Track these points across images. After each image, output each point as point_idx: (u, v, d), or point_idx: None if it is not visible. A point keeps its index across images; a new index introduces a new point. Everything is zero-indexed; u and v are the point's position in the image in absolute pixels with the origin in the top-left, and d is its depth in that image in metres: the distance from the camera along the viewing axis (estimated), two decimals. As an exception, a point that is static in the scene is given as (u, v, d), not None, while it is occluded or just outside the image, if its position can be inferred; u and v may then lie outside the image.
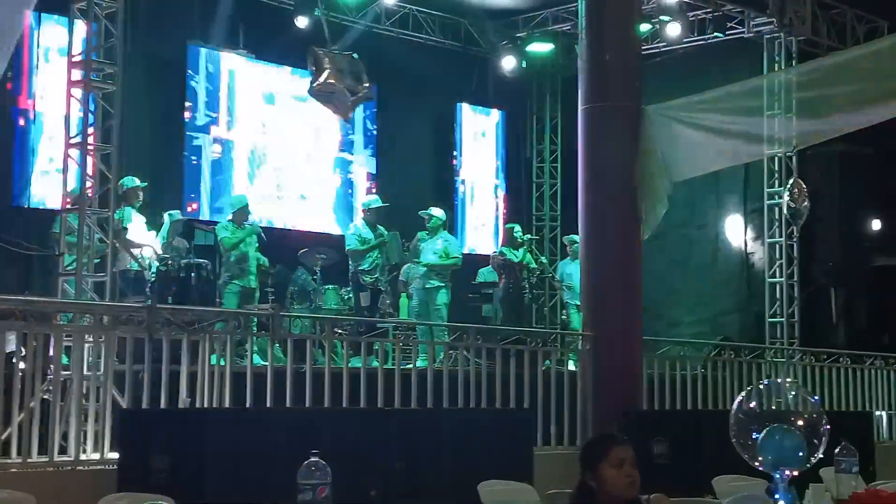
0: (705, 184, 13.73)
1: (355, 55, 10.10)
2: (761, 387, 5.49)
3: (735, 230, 15.32)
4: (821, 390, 11.66)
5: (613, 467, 4.28)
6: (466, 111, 16.17)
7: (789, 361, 12.41)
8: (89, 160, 8.66)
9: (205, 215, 13.05)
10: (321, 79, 9.64)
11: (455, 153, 16.06)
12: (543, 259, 14.63)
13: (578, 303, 11.10)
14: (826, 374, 12.06)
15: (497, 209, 16.39)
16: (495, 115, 16.60)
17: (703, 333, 13.90)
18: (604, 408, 9.21)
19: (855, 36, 14.09)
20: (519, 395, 9.15)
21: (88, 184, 8.64)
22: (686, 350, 11.93)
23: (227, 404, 7.68)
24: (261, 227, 11.71)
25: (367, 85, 9.97)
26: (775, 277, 13.79)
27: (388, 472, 6.94)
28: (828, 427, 5.41)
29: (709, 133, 10.61)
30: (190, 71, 13.40)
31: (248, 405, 7.74)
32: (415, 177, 14.85)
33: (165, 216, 11.10)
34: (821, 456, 5.51)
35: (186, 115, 13.36)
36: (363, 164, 14.93)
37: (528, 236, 14.47)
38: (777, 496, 5.09)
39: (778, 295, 13.74)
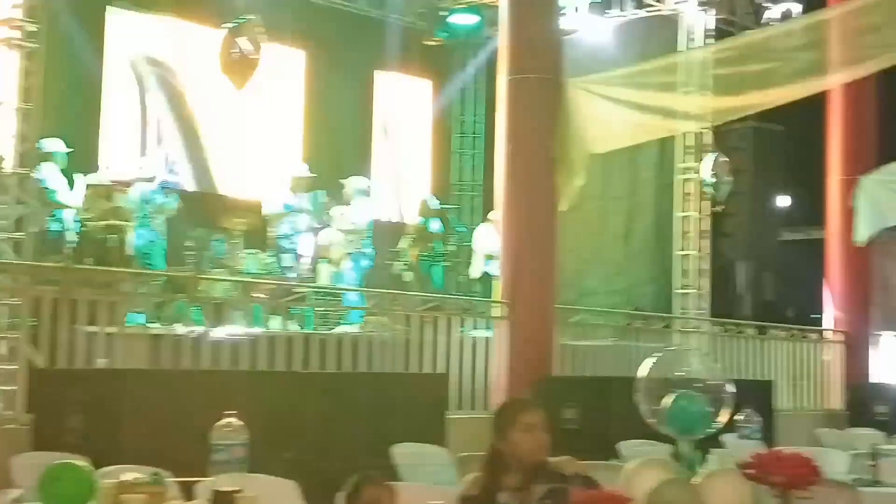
0: (622, 157, 13.94)
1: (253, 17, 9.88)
2: (667, 355, 5.71)
3: (648, 203, 15.58)
4: (727, 360, 12.01)
5: (523, 431, 4.38)
6: (391, 80, 16.18)
7: (697, 331, 12.75)
8: (9, 119, 8.53)
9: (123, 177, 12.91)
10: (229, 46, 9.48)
11: (379, 122, 16.08)
12: (461, 228, 14.76)
13: (495, 271, 11.26)
14: (732, 345, 12.43)
15: (420, 178, 16.46)
16: (420, 84, 16.63)
17: (617, 303, 14.16)
18: (517, 374, 9.40)
19: (770, 15, 14.38)
20: (435, 360, 9.31)
21: (9, 143, 8.53)
22: (599, 319, 12.20)
23: (143, 366, 7.70)
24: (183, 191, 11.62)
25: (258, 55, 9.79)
26: (687, 250, 14.10)
27: (303, 435, 7.04)
28: (731, 394, 5.64)
29: (626, 107, 10.80)
30: (111, 33, 13.21)
31: (164, 367, 7.77)
32: (339, 144, 14.84)
33: (83, 177, 10.99)
34: (724, 422, 5.75)
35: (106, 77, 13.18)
36: (288, 130, 14.89)
37: (445, 205, 14.59)
38: (680, 460, 5.31)
39: (689, 267, 14.05)
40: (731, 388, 5.42)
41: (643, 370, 5.44)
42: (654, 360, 5.49)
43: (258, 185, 13.52)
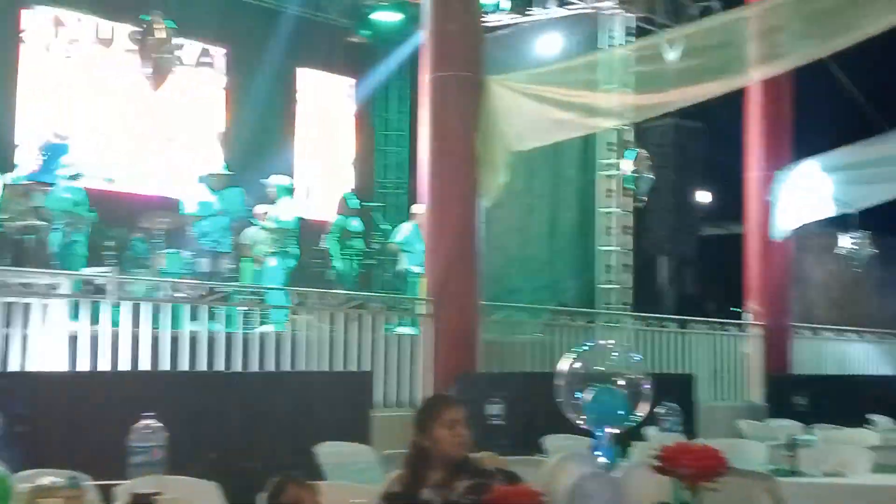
0: (545, 154, 14.03)
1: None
2: (587, 349, 5.77)
3: (572, 200, 15.70)
4: (649, 354, 12.15)
5: (445, 428, 4.40)
6: (314, 77, 16.10)
7: (620, 326, 12.87)
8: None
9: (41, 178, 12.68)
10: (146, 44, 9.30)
11: (301, 120, 16.00)
12: (385, 226, 14.74)
13: (419, 269, 11.27)
14: (654, 339, 12.58)
15: (344, 176, 16.41)
16: (343, 81, 16.58)
17: (541, 299, 14.24)
18: (442, 370, 9.43)
19: (689, 14, 14.57)
20: (361, 358, 9.30)
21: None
22: (524, 315, 12.27)
23: (61, 367, 7.57)
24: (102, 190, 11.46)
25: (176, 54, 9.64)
26: (610, 246, 14.23)
27: (225, 435, 6.98)
28: (650, 387, 5.71)
29: (548, 105, 10.86)
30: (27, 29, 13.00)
31: (83, 369, 7.65)
32: (261, 142, 14.73)
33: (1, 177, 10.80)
34: (644, 415, 5.82)
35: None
36: (208, 128, 14.74)
37: (366, 204, 14.56)
38: (600, 453, 5.37)
39: (612, 263, 14.18)
40: (650, 383, 5.48)
41: (563, 365, 5.48)
42: (574, 355, 5.53)
43: (178, 184, 13.38)
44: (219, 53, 14.79)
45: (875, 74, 17.29)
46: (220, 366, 8.32)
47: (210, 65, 14.74)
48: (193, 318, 8.65)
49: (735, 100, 13.45)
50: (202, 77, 14.48)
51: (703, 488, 3.72)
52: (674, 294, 18.00)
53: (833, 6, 9.92)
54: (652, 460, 3.78)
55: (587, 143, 14.82)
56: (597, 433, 5.42)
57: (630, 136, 14.23)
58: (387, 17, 15.53)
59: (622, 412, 5.20)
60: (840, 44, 10.08)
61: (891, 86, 17.65)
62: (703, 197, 19.50)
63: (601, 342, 5.81)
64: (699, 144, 17.52)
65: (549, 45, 14.62)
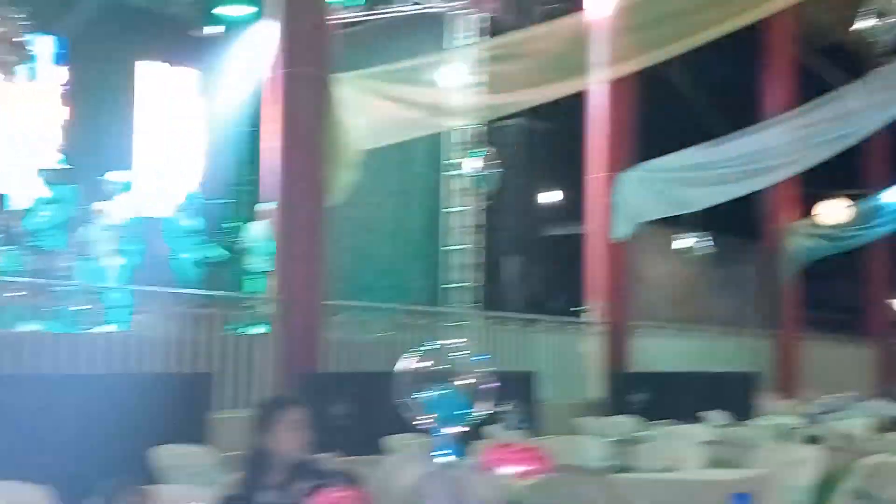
0: (393, 152, 14.03)
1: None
2: (428, 348, 5.76)
3: (420, 198, 15.75)
4: (495, 352, 12.27)
5: (285, 429, 4.34)
6: (158, 71, 15.71)
7: (467, 324, 12.97)
8: None
9: None
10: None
11: (143, 114, 15.59)
12: (231, 224, 14.49)
13: (264, 268, 11.12)
14: (500, 337, 12.71)
15: (187, 172, 16.05)
16: (189, 76, 16.21)
17: (389, 298, 14.23)
18: (287, 371, 9.32)
19: (536, 16, 14.76)
20: (205, 359, 9.11)
21: None
22: (372, 314, 12.23)
23: None
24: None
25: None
26: (457, 245, 14.32)
27: (59, 439, 6.76)
28: (492, 386, 5.74)
29: (397, 103, 10.89)
30: None
31: None
32: (101, 137, 14.28)
33: None
34: (485, 414, 5.84)
35: None
36: (45, 121, 14.22)
37: (211, 201, 14.30)
38: (442, 452, 5.37)
39: (459, 262, 14.27)
40: (492, 381, 5.51)
41: (403, 365, 5.47)
42: (415, 354, 5.52)
43: (11, 179, 12.87)
44: (58, 45, 14.28)
45: (713, 79, 17.89)
46: (55, 367, 8.03)
47: (48, 57, 14.24)
48: (24, 317, 8.34)
49: (583, 101, 13.72)
50: (40, 69, 13.97)
51: (531, 486, 3.78)
52: (521, 293, 18.22)
53: (673, 11, 10.22)
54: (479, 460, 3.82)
55: (436, 142, 14.88)
56: (437, 433, 5.40)
57: (478, 136, 14.34)
58: (236, 12, 15.26)
59: (462, 411, 5.20)
60: (679, 48, 10.39)
61: (728, 90, 18.28)
62: (551, 197, 19.82)
63: (443, 341, 5.78)
64: (547, 145, 17.79)
65: (400, 43, 14.62)
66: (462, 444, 5.78)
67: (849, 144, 13.05)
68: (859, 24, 9.53)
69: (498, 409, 8.26)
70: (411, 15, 14.69)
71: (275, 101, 10.12)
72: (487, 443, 7.23)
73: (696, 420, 10.90)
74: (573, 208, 17.47)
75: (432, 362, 5.56)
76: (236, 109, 16.46)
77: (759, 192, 16.66)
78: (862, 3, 9.65)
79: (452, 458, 5.37)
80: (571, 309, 14.81)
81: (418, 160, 15.59)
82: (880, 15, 9.33)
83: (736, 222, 20.21)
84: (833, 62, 18.61)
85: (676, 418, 10.80)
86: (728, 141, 13.59)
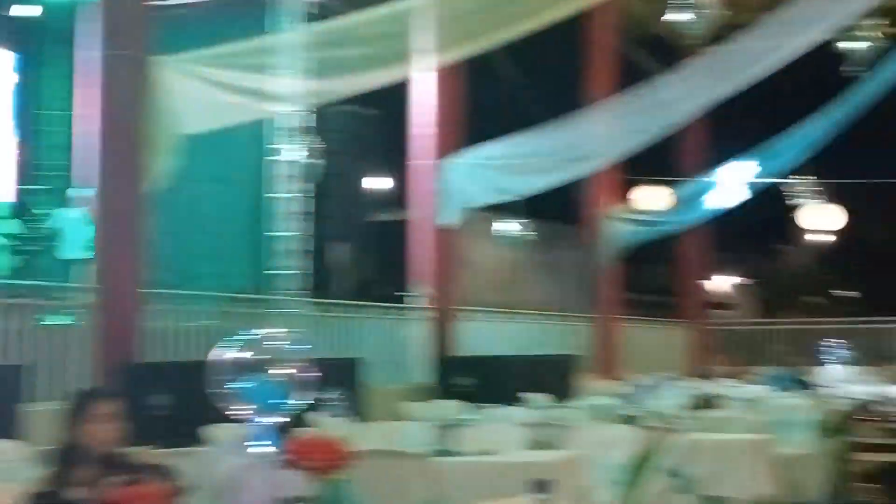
0: (219, 137, 13.79)
1: None
2: (247, 337, 5.70)
3: (246, 185, 15.56)
4: (322, 339, 12.24)
5: (95, 422, 4.26)
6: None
7: (294, 312, 12.88)
8: None
9: None
10: None
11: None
12: (47, 210, 13.99)
13: (80, 255, 10.79)
14: (328, 324, 12.69)
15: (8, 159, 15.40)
16: (5, 56, 15.54)
17: (215, 286, 14.02)
18: (104, 362, 9.07)
19: (363, 1, 14.72)
20: (16, 350, 8.80)
21: None
22: (196, 302, 12.02)
23: None
24: None
25: None
26: (283, 231, 14.18)
27: None
28: (315, 374, 5.72)
29: (221, 88, 10.70)
30: None
31: None
32: None
33: None
34: (305, 403, 5.82)
35: None
36: None
37: (23, 187, 13.80)
38: (260, 442, 5.32)
39: (286, 248, 14.14)
40: (312, 369, 5.49)
41: (221, 355, 5.41)
42: (233, 344, 5.46)
43: None
44: None
45: (538, 68, 18.22)
46: None
47: None
48: None
49: (409, 87, 13.79)
50: None
51: (329, 480, 3.80)
52: (348, 279, 18.23)
53: (495, 1, 10.35)
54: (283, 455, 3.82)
55: (261, 128, 14.70)
56: (255, 423, 5.35)
57: (305, 122, 14.22)
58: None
59: (281, 401, 5.18)
60: (502, 38, 10.52)
61: (552, 79, 18.65)
62: (380, 183, 19.87)
63: (263, 330, 5.73)
64: (375, 131, 17.82)
65: (223, 26, 14.36)
66: (281, 434, 5.75)
67: (665, 133, 13.48)
68: (671, 16, 9.86)
69: (322, 397, 8.28)
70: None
71: (91, 84, 9.81)
72: (291, 436, 7.21)
73: (518, 403, 11.11)
74: (402, 195, 17.59)
75: (250, 352, 5.51)
76: (51, 92, 15.92)
77: (581, 178, 17.09)
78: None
79: (270, 449, 5.34)
80: (398, 294, 14.88)
81: (243, 145, 15.38)
82: (689, 7, 9.68)
83: (559, 208, 20.69)
84: (651, 52, 19.22)
85: (500, 401, 10.99)
86: (551, 129, 13.87)
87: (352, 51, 11.13)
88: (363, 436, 7.62)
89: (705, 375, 17.45)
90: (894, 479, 6.68)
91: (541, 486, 4.00)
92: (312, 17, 13.84)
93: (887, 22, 13.15)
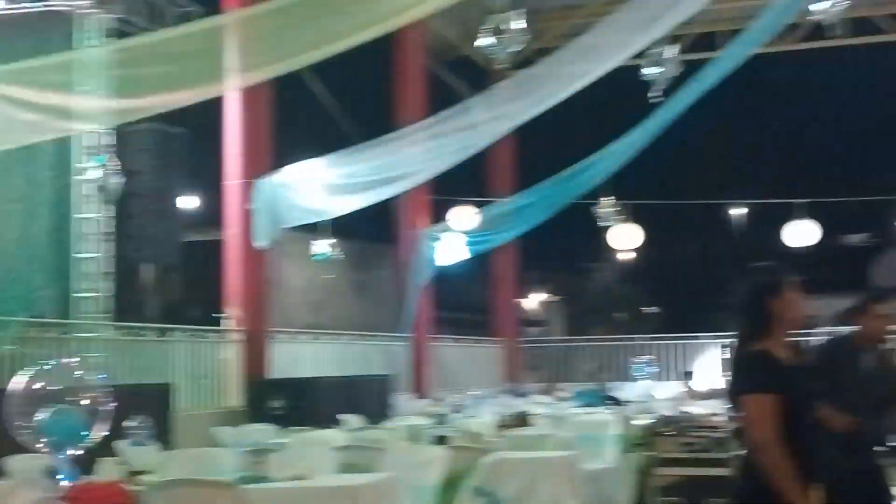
0: (18, 157, 13.27)
1: None
2: (45, 367, 5.49)
3: (47, 205, 14.99)
4: (128, 364, 11.89)
5: None
6: None
7: (98, 336, 12.48)
8: None
9: None
10: None
11: None
12: None
13: None
14: (134, 348, 12.34)
15: None
16: None
17: (17, 309, 13.44)
18: None
19: (167, 19, 14.47)
20: None
21: None
22: (-3, 328, 11.51)
23: None
24: None
25: None
26: (87, 253, 13.74)
27: None
28: (113, 403, 5.55)
29: (17, 105, 10.30)
30: None
31: None
32: None
33: None
34: (105, 433, 5.65)
35: None
36: None
37: None
38: (60, 475, 5.13)
39: (89, 270, 13.70)
40: (112, 399, 5.33)
41: (16, 385, 5.21)
42: (29, 373, 5.27)
43: None
44: None
45: (351, 89, 18.28)
46: None
47: None
48: None
49: (219, 106, 13.59)
50: None
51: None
52: (157, 301, 17.78)
53: (308, 18, 10.29)
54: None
55: (66, 146, 14.22)
56: (57, 455, 5.17)
57: (109, 140, 13.83)
58: None
59: (80, 432, 5.01)
60: (311, 59, 10.48)
61: (365, 100, 18.74)
62: (189, 203, 19.49)
63: (62, 359, 5.55)
64: (183, 150, 17.49)
65: (24, 42, 13.84)
66: (81, 466, 5.56)
67: (473, 153, 13.67)
68: (480, 41, 10.03)
69: (126, 425, 8.04)
70: (37, 12, 13.96)
71: None
72: (129, 456, 6.99)
73: (333, 425, 11.06)
74: (213, 214, 17.30)
75: (48, 382, 5.31)
76: None
77: (395, 198, 17.21)
78: (482, 21, 10.16)
79: (71, 479, 5.16)
80: (214, 316, 14.59)
81: (46, 164, 14.81)
82: (497, 33, 9.86)
83: (375, 228, 20.79)
84: (461, 75, 19.55)
85: (315, 424, 10.91)
86: (363, 149, 13.90)
87: (157, 69, 10.88)
88: (170, 463, 7.43)
89: (517, 392, 17.80)
90: (693, 491, 6.94)
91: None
92: (117, 34, 13.52)
93: (680, 48, 13.74)
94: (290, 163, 14.21)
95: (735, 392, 4.32)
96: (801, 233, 19.63)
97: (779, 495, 4.08)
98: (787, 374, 4.25)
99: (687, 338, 21.29)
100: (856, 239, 45.51)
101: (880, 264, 39.09)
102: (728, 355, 4.61)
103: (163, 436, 9.71)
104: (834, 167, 39.57)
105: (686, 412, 9.58)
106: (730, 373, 4.44)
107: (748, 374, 4.25)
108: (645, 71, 11.80)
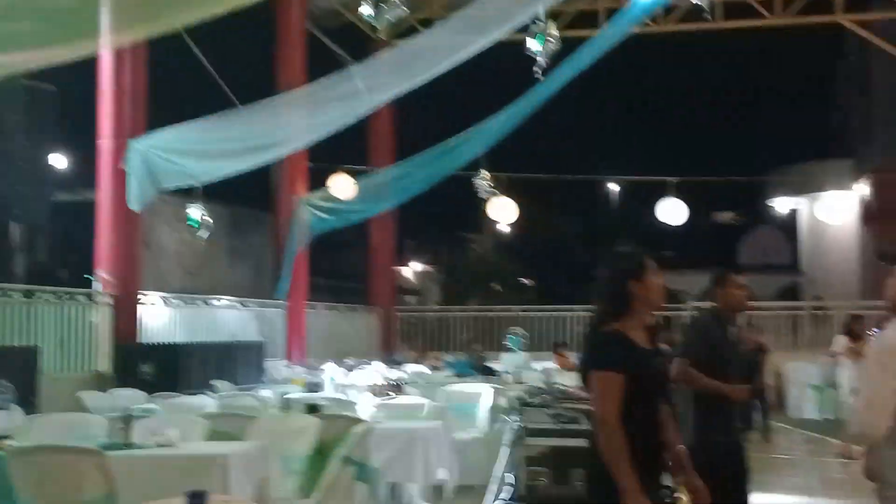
0: None
1: None
2: None
3: None
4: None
5: None
6: None
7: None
8: None
9: None
10: None
11: None
12: None
13: None
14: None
15: None
16: None
17: None
18: None
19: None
20: None
21: None
22: None
23: None
24: None
25: None
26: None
27: None
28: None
29: None
30: None
31: None
32: None
33: None
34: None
35: None
36: None
37: None
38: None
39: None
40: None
41: None
42: None
43: None
44: None
45: (231, 52, 18.00)
46: None
47: None
48: None
49: (91, 64, 13.22)
50: None
51: None
52: (23, 262, 17.31)
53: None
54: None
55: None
56: None
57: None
58: None
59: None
60: (187, 20, 10.27)
61: (245, 65, 18.47)
62: (58, 162, 18.97)
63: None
64: (53, 108, 17.01)
65: None
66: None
67: (353, 122, 13.60)
68: (362, 10, 9.98)
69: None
70: None
71: None
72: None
73: (205, 391, 10.95)
74: (84, 174, 16.88)
75: None
76: None
77: (273, 164, 17.02)
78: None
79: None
80: (86, 278, 14.23)
81: None
82: (377, 1, 9.81)
83: (253, 194, 20.55)
84: (345, 43, 19.40)
85: (187, 390, 10.78)
86: (241, 114, 13.72)
87: (23, 25, 10.53)
88: (33, 428, 7.27)
89: (392, 361, 17.86)
90: (559, 461, 7.09)
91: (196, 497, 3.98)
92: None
93: (560, 24, 13.88)
94: (168, 125, 13.93)
95: (585, 369, 4.39)
96: (673, 210, 20.07)
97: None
98: (639, 355, 4.34)
99: (561, 310, 21.62)
100: (726, 217, 46.87)
101: (749, 241, 40.32)
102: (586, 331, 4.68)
103: (27, 400, 9.49)
104: (706, 147, 40.63)
105: (556, 383, 9.75)
106: (583, 350, 4.52)
107: (600, 352, 4.32)
108: (528, 46, 11.89)
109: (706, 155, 38.32)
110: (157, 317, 14.49)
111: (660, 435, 4.41)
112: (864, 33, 19.89)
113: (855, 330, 14.84)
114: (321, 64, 16.45)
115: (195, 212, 14.20)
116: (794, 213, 32.61)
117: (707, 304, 6.88)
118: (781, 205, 32.53)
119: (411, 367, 16.18)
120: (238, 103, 14.14)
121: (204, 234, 14.39)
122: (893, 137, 21.55)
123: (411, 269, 39.19)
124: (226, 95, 14.89)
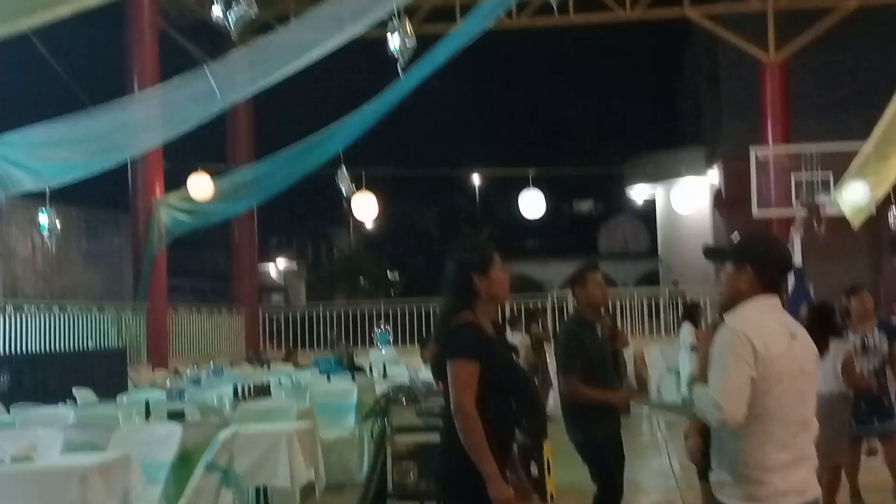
0: None
1: None
2: None
3: None
4: None
5: None
6: None
7: None
8: None
9: None
10: None
11: None
12: None
13: None
14: None
15: None
16: None
17: None
18: None
19: None
20: None
21: None
22: None
23: None
24: None
25: None
26: None
27: None
28: None
29: None
30: None
31: None
32: None
33: None
34: None
35: None
36: None
37: None
38: None
39: None
40: None
41: None
42: None
43: None
44: None
45: (81, 52, 17.56)
46: None
47: None
48: None
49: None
50: None
51: None
52: None
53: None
54: None
55: None
56: None
57: None
58: None
59: None
60: (33, 21, 10.00)
61: (95, 64, 18.02)
62: None
63: None
64: None
65: None
66: None
67: (208, 120, 13.37)
68: (214, 10, 9.81)
69: None
70: None
71: None
72: None
73: (62, 401, 10.64)
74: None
75: None
76: None
77: (130, 165, 16.64)
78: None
79: None
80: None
81: None
82: (227, 4, 9.66)
83: (110, 195, 20.04)
84: (200, 40, 19.09)
85: (42, 401, 10.46)
86: (91, 115, 13.36)
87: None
88: None
89: (257, 361, 17.69)
90: (425, 457, 7.13)
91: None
92: None
93: (416, 20, 13.93)
94: (14, 128, 13.48)
95: (440, 359, 4.41)
96: (532, 202, 20.39)
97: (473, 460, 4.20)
98: (491, 345, 4.40)
99: (427, 301, 21.70)
100: (585, 207, 47.78)
101: (608, 229, 41.16)
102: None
103: None
104: (565, 139, 41.36)
105: (423, 378, 9.79)
106: (436, 340, 4.54)
107: (454, 342, 4.35)
108: (389, 42, 11.87)
109: (566, 147, 39.04)
110: (11, 325, 14.04)
111: (510, 425, 4.47)
112: (710, 26, 20.48)
113: (695, 317, 15.04)
114: (177, 62, 16.15)
115: (45, 218, 13.79)
116: (651, 201, 33.38)
117: (570, 298, 6.99)
118: (639, 193, 33.26)
119: (278, 367, 16.04)
120: (88, 103, 13.77)
121: (53, 239, 14.00)
122: (741, 127, 22.24)
123: (276, 268, 38.83)
124: (77, 96, 14.50)
